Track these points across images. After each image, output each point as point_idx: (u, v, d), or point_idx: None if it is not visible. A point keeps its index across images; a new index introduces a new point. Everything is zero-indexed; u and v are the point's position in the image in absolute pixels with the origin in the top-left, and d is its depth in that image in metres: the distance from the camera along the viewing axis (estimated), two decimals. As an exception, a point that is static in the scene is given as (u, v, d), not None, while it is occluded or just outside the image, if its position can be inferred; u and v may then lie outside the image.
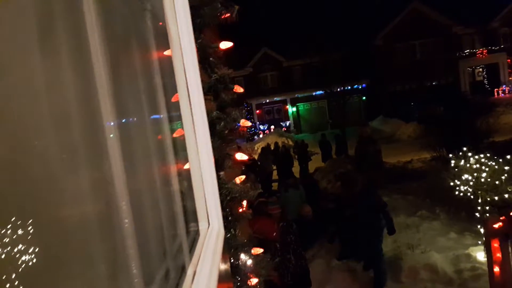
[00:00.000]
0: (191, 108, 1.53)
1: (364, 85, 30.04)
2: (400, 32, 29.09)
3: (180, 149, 1.54)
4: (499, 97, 26.31)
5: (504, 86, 28.01)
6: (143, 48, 1.23)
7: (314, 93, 30.73)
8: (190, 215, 1.56)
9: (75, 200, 0.77)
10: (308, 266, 5.82)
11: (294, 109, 33.59)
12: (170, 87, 1.50)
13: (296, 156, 17.18)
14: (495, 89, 27.81)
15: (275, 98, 33.30)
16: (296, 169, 16.26)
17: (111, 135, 0.86)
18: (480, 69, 30.48)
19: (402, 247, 7.71)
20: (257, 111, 33.91)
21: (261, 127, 32.81)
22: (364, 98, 31.15)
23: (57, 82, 0.77)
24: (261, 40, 32.14)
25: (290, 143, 22.54)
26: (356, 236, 6.19)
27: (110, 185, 0.86)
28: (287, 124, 33.39)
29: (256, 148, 23.12)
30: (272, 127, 32.13)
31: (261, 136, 30.11)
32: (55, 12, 0.77)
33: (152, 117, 1.24)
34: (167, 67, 1.50)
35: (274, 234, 5.09)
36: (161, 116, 1.28)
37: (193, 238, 1.47)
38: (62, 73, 0.78)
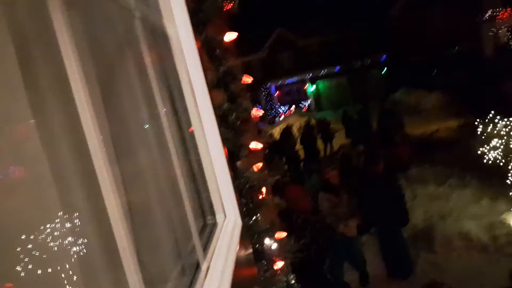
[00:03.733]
0: (196, 105, 1.54)
1: (383, 56, 29.34)
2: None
3: (190, 146, 1.55)
4: (527, 56, 25.23)
5: (531, 44, 26.80)
6: (133, 55, 1.23)
7: (333, 70, 30.23)
8: (207, 209, 1.58)
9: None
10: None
11: (314, 87, 33.18)
12: (175, 87, 1.51)
13: (320, 135, 17.03)
14: (522, 49, 26.64)
15: (293, 79, 32.97)
16: (320, 147, 16.16)
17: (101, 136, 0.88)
18: (505, 30, 29.19)
19: (433, 217, 7.62)
20: (277, 93, 33.69)
21: (282, 108, 32.61)
22: (384, 70, 30.43)
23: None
24: (274, 21, 31.72)
25: (312, 122, 22.34)
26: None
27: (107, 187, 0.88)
28: (308, 103, 33.07)
29: (280, 130, 23.04)
30: (293, 107, 31.88)
31: (282, 117, 29.95)
32: (29, 39, 0.81)
33: (154, 118, 1.25)
34: (168, 68, 1.51)
35: (306, 203, 5.19)
36: (165, 116, 1.28)
37: (210, 231, 1.49)
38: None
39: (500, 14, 27.80)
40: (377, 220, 6.14)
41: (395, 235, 6.21)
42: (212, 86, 1.98)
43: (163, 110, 1.27)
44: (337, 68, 27.33)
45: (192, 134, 1.58)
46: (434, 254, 6.49)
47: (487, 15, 27.88)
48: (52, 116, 0.85)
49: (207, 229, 1.50)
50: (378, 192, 6.07)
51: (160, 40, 1.49)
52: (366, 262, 6.38)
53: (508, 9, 27.57)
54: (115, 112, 1.09)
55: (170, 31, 1.52)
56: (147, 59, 1.23)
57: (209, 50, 1.98)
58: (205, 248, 1.35)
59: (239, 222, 1.61)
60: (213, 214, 1.60)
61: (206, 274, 1.23)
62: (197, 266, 1.27)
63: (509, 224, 6.61)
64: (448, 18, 27.85)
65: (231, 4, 2.12)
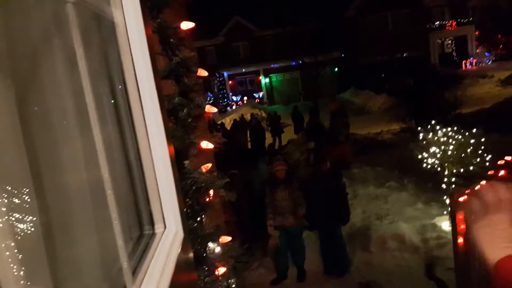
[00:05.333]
0: (140, 98, 1.38)
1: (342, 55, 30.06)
2: (371, 3, 29.02)
3: (130, 146, 1.39)
4: (467, 69, 26.91)
5: (471, 58, 28.61)
6: (60, 45, 1.05)
7: (287, 64, 30.50)
8: (146, 218, 1.44)
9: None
10: None
11: (267, 80, 33.34)
12: (118, 79, 1.35)
13: (269, 128, 17.16)
14: (463, 61, 28.37)
15: (248, 69, 32.89)
16: (269, 141, 16.28)
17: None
18: (449, 41, 30.95)
19: (371, 217, 7.91)
20: (230, 82, 33.49)
21: (234, 98, 32.49)
22: (336, 69, 31.16)
23: None
24: (233, 8, 31.39)
25: (263, 114, 22.47)
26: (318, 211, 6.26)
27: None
28: (260, 95, 33.19)
29: (229, 120, 22.97)
30: (245, 98, 31.87)
31: (234, 107, 29.87)
32: None
33: (82, 114, 1.09)
34: (111, 58, 1.34)
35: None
36: (94, 110, 1.10)
37: (146, 243, 1.36)
38: None
39: (447, 25, 29.44)
40: (320, 217, 6.26)
41: (335, 232, 6.37)
42: (163, 77, 1.83)
43: (92, 104, 1.09)
44: (293, 63, 27.60)
45: (134, 133, 1.42)
46: (369, 254, 6.72)
47: (437, 23, 29.44)
48: None
49: (143, 242, 1.36)
50: (324, 190, 6.19)
51: (103, 28, 1.32)
52: (306, 258, 6.54)
53: (454, 22, 29.26)
54: (32, 109, 0.93)
55: (116, 17, 1.35)
56: (79, 50, 1.06)
57: (162, 38, 1.83)
58: (138, 265, 1.21)
59: (180, 233, 1.48)
60: (152, 223, 1.47)
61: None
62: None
63: (440, 228, 6.98)
64: (400, 24, 29.09)
65: (190, -11, 1.98)
